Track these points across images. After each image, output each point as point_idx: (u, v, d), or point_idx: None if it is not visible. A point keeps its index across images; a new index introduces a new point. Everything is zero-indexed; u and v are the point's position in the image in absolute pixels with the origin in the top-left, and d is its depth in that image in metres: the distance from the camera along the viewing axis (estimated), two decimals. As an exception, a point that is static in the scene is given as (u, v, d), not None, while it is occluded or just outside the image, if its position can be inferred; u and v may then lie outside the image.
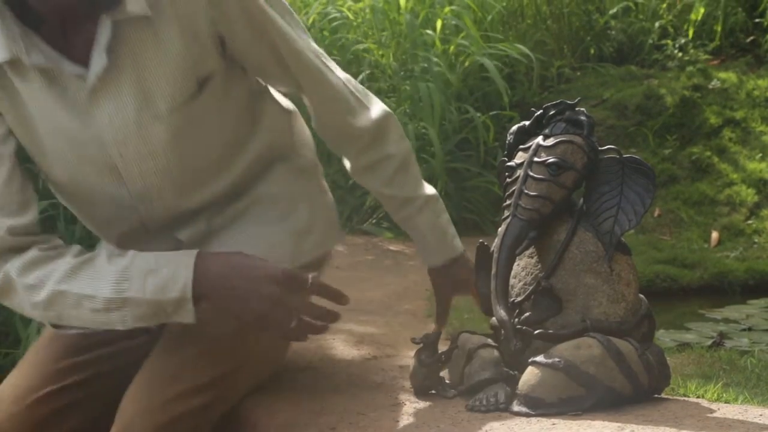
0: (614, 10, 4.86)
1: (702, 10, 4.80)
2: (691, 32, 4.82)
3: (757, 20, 4.94)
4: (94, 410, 1.59)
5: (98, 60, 1.40)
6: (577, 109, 1.51)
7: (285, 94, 1.70)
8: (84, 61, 1.41)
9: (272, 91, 1.65)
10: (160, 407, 1.45)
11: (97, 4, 1.38)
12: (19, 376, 1.61)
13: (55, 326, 1.58)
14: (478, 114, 3.96)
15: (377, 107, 1.64)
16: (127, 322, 1.44)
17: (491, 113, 4.03)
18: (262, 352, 1.59)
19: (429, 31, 4.06)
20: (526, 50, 4.24)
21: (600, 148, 1.50)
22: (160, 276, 1.42)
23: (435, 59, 3.88)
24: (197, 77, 1.46)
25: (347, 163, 1.69)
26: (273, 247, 1.55)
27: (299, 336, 1.45)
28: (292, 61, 1.53)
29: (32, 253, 1.45)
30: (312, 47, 1.56)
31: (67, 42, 1.41)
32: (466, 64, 4.09)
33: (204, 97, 1.47)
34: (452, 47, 4.08)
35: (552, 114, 1.52)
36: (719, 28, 4.85)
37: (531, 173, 1.47)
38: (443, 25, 4.12)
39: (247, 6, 1.46)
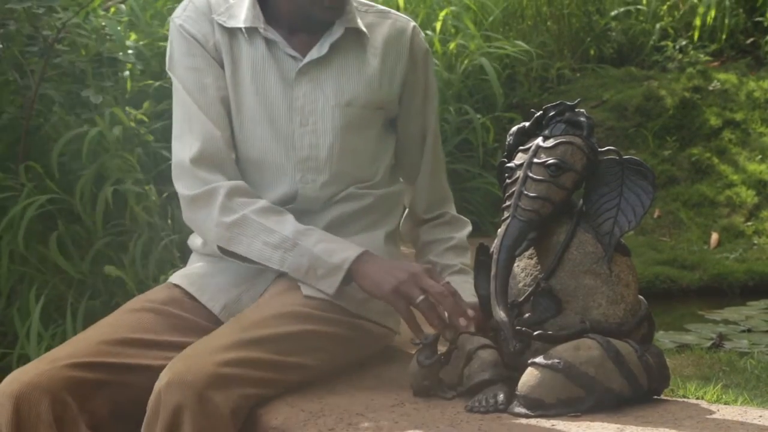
0: (615, 12, 4.85)
1: (713, 13, 4.80)
2: (696, 35, 4.82)
3: (758, 19, 4.94)
4: (124, 398, 1.61)
5: (319, 48, 1.77)
6: (576, 110, 1.51)
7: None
8: (300, 51, 1.78)
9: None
10: (218, 363, 1.50)
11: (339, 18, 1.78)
12: (67, 344, 1.68)
13: (221, 249, 1.73)
14: (478, 115, 3.96)
15: None
16: (285, 264, 1.66)
17: (494, 114, 4.03)
18: (333, 357, 1.68)
19: (428, 32, 4.06)
20: (526, 46, 4.24)
21: (600, 150, 1.50)
22: (332, 244, 1.67)
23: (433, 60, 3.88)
24: (376, 100, 1.80)
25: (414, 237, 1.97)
26: None
27: (422, 313, 1.59)
28: (430, 140, 1.90)
29: (242, 183, 1.73)
30: (440, 141, 1.95)
31: (291, 37, 1.79)
32: (465, 63, 4.09)
33: (373, 117, 1.81)
34: (452, 45, 4.07)
35: (552, 115, 1.52)
36: (725, 35, 4.85)
37: (531, 174, 1.47)
38: (443, 26, 4.12)
39: (428, 80, 1.88)
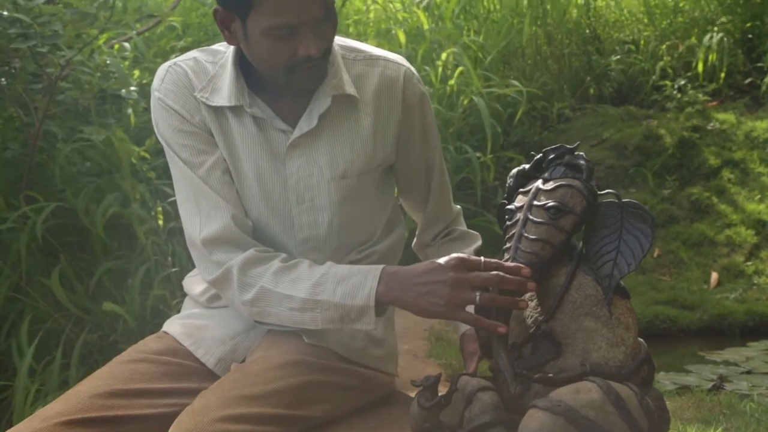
0: (616, 58, 4.89)
1: (713, 56, 4.84)
2: (701, 77, 4.86)
3: (757, 64, 4.97)
4: None
5: (308, 121, 1.70)
6: (576, 153, 1.52)
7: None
8: (289, 120, 1.71)
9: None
10: (224, 420, 1.49)
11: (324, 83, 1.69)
12: (59, 401, 1.66)
13: (258, 322, 1.71)
14: (478, 154, 3.97)
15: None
16: (317, 322, 1.62)
17: (494, 155, 4.04)
18: (336, 407, 1.67)
19: (426, 67, 4.09)
20: (519, 85, 4.26)
21: (599, 192, 1.51)
22: (349, 284, 1.60)
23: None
24: (374, 161, 1.75)
25: (420, 243, 1.96)
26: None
27: (487, 311, 1.50)
28: (436, 177, 1.86)
29: (251, 253, 1.66)
30: (446, 169, 1.90)
31: (278, 105, 1.72)
32: (465, 103, 4.12)
33: (370, 179, 1.76)
34: (451, 82, 4.10)
35: (551, 158, 1.52)
36: (723, 74, 4.88)
37: (531, 217, 1.47)
38: (443, 64, 4.15)
39: (426, 121, 1.81)
